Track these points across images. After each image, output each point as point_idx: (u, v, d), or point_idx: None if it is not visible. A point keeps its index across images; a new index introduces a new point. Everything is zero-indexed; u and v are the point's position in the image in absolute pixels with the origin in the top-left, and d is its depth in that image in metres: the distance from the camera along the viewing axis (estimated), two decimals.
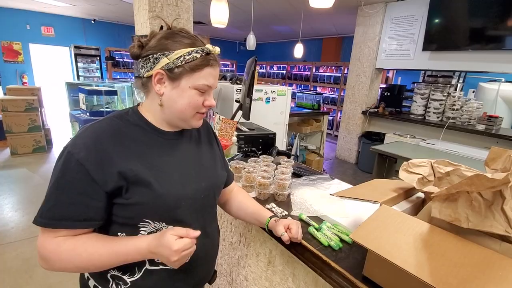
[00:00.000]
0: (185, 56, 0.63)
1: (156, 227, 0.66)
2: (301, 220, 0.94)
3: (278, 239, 0.87)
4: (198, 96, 0.66)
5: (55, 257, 0.59)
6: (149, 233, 0.66)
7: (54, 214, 0.58)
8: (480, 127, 3.32)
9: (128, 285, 0.68)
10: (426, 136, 3.66)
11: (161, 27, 0.69)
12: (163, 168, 0.67)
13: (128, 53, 0.71)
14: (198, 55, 0.64)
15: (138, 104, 0.73)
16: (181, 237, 0.59)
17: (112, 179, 0.60)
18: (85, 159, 0.58)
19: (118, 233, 0.66)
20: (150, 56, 0.64)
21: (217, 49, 0.68)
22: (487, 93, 4.09)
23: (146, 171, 0.63)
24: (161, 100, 0.66)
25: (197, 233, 0.61)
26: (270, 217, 0.86)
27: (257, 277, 1.14)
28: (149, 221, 0.65)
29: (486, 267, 0.50)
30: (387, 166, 2.90)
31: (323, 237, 0.82)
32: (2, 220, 2.46)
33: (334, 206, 1.00)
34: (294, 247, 0.85)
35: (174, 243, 0.57)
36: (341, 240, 0.82)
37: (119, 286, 0.68)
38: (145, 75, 0.65)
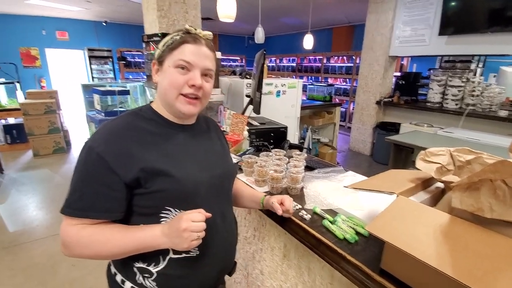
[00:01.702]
0: (168, 41, 0.69)
1: (177, 215, 0.66)
2: (315, 213, 0.93)
3: (293, 234, 0.86)
4: (179, 75, 0.67)
5: (75, 243, 0.61)
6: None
7: (79, 205, 0.61)
8: (503, 113, 3.16)
9: (154, 276, 0.68)
10: (444, 124, 3.53)
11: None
12: (179, 157, 0.69)
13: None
14: (178, 37, 0.68)
15: (152, 102, 0.76)
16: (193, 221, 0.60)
17: (132, 170, 0.62)
18: (105, 152, 0.61)
19: (140, 224, 0.66)
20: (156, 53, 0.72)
21: (202, 31, 0.71)
22: (509, 77, 3.88)
23: (164, 159, 0.66)
24: (157, 89, 0.71)
25: (208, 214, 0.63)
26: (265, 195, 0.90)
27: (273, 271, 1.14)
28: (170, 209, 0.66)
29: (472, 244, 0.48)
30: (403, 157, 2.82)
31: (338, 230, 0.81)
32: (28, 218, 2.58)
33: (348, 199, 0.98)
34: (308, 240, 0.84)
35: (182, 222, 0.59)
36: (357, 233, 0.80)
37: (146, 278, 0.68)
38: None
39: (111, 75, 7.06)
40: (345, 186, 0.87)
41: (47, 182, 3.36)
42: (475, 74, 3.81)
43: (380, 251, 0.69)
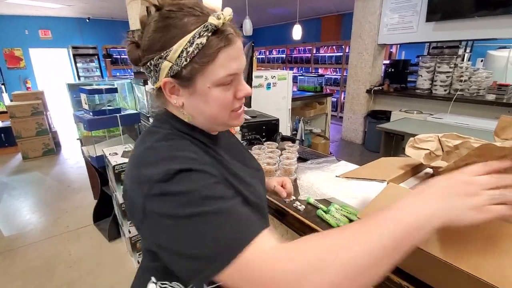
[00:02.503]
0: (188, 49, 0.45)
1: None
2: (309, 204, 0.94)
3: (288, 225, 0.87)
4: (226, 92, 0.49)
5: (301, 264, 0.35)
6: None
7: (247, 227, 0.40)
8: (490, 97, 3.23)
9: None
10: (433, 110, 3.58)
11: (148, 11, 0.50)
12: (242, 177, 0.56)
13: (126, 52, 0.55)
14: (204, 39, 0.45)
15: (165, 111, 0.55)
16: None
17: (228, 183, 0.51)
18: (205, 167, 0.45)
19: None
20: (148, 63, 0.48)
21: (227, 14, 0.46)
22: (496, 61, 3.94)
23: (234, 178, 0.53)
24: (186, 112, 0.52)
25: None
26: None
27: None
28: None
29: (499, 240, 0.50)
30: (394, 144, 2.86)
31: (332, 219, 0.82)
32: (21, 222, 2.55)
33: (341, 188, 1.00)
34: (303, 230, 0.85)
35: (461, 175, 0.39)
36: (350, 221, 0.82)
37: None
38: (155, 87, 0.52)
39: (98, 73, 6.92)
40: (337, 176, 0.88)
41: (38, 185, 3.30)
42: (462, 60, 3.86)
43: None
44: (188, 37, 0.45)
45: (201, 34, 0.45)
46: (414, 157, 0.77)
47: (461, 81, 3.52)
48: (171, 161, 0.43)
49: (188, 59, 0.45)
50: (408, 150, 0.80)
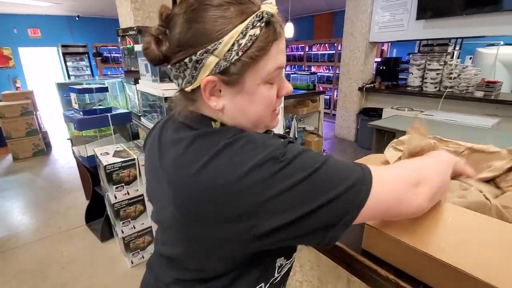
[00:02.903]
0: (240, 41, 0.39)
1: None
2: None
3: None
4: (270, 90, 0.45)
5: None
6: None
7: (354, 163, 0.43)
8: (479, 94, 3.29)
9: None
10: (424, 107, 3.64)
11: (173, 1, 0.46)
12: None
13: (143, 51, 0.45)
14: (258, 30, 0.39)
15: (192, 114, 0.47)
16: None
17: None
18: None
19: None
20: (186, 59, 0.40)
21: (274, 5, 0.42)
22: (485, 58, 4.02)
23: None
24: (224, 116, 0.45)
25: None
26: None
27: None
28: None
29: (477, 231, 0.51)
30: (385, 140, 2.90)
31: None
32: (12, 224, 2.51)
33: None
34: None
35: None
36: None
37: None
38: (186, 89, 0.43)
39: (88, 72, 6.81)
40: None
41: (29, 186, 3.26)
42: (452, 57, 3.92)
43: (361, 233, 0.72)
44: (241, 27, 0.38)
45: (254, 24, 0.39)
46: (389, 159, 0.79)
47: (450, 78, 3.58)
48: (269, 141, 0.40)
49: (240, 53, 0.39)
50: (389, 150, 0.82)
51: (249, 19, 0.39)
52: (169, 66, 0.44)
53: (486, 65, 3.90)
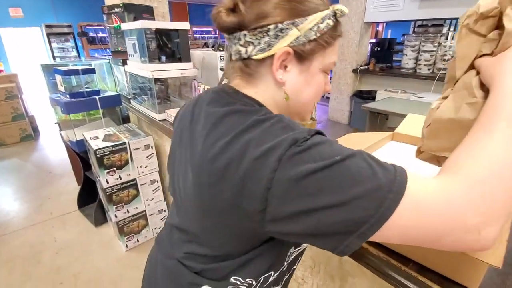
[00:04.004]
0: (319, 25, 0.44)
1: None
2: None
3: None
4: (323, 81, 0.50)
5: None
6: None
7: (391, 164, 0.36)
8: None
9: None
10: (417, 89, 3.64)
11: None
12: None
13: (212, 16, 0.46)
14: (331, 22, 0.45)
15: (233, 90, 0.49)
16: None
17: None
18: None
19: None
20: (271, 26, 0.42)
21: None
22: None
23: None
24: (286, 91, 0.47)
25: None
26: None
27: None
28: None
29: None
30: (379, 123, 2.91)
31: None
32: (2, 210, 2.47)
33: None
34: None
35: None
36: None
37: None
38: (255, 56, 0.45)
39: (74, 53, 6.54)
40: None
41: (18, 172, 3.19)
42: (446, 38, 3.88)
43: None
44: (323, 14, 0.44)
45: (330, 16, 0.45)
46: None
47: (444, 60, 3.56)
48: (297, 126, 0.39)
49: (317, 34, 0.44)
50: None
51: (329, 10, 0.45)
52: (244, 32, 0.44)
53: None
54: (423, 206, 0.32)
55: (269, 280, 0.54)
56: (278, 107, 0.50)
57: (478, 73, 0.44)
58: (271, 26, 0.42)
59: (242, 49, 0.46)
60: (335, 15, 0.45)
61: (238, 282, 0.51)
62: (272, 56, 0.44)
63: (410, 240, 0.34)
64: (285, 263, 0.56)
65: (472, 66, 0.46)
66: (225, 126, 0.42)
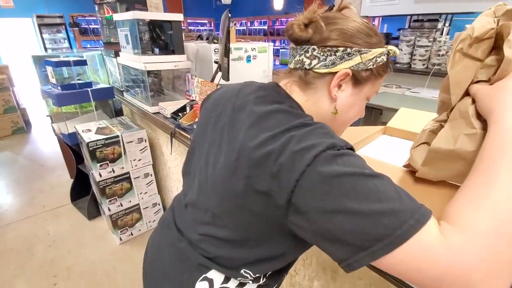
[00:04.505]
0: (377, 59, 0.51)
1: None
2: None
3: None
4: (364, 106, 0.58)
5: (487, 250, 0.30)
6: None
7: (418, 202, 0.35)
8: None
9: None
10: (411, 85, 3.66)
11: (331, 7, 0.56)
12: None
13: (288, 28, 0.53)
14: (385, 58, 0.52)
15: (283, 91, 0.54)
16: None
17: None
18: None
19: None
20: (341, 48, 0.49)
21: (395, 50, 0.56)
22: None
23: None
24: (337, 106, 0.53)
25: None
26: None
27: None
28: None
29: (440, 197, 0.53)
30: (373, 118, 2.92)
31: None
32: None
33: None
34: None
35: None
36: None
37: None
38: (318, 70, 0.50)
39: (66, 45, 6.39)
40: None
41: (10, 165, 3.15)
42: (441, 34, 3.89)
43: None
44: (382, 50, 0.51)
45: (385, 54, 0.52)
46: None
47: (439, 55, 3.57)
48: (337, 137, 0.42)
49: (374, 65, 0.51)
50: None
51: (385, 49, 0.52)
52: (313, 47, 0.50)
53: None
54: (430, 250, 0.31)
55: (273, 274, 0.55)
56: (320, 119, 0.51)
57: (474, 101, 0.44)
58: (341, 48, 0.49)
59: (307, 61, 0.51)
60: (388, 53, 0.52)
61: (248, 276, 0.52)
62: (333, 73, 0.50)
63: (410, 279, 0.33)
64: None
65: (467, 93, 0.46)
66: (271, 121, 0.44)
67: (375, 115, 2.92)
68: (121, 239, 1.96)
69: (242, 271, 0.51)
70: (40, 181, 2.78)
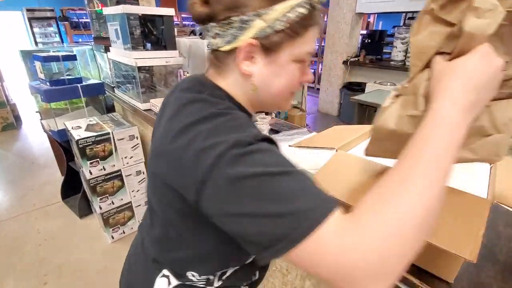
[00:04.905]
0: (287, 14, 0.41)
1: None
2: None
3: None
4: (297, 71, 0.47)
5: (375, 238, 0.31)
6: None
7: (325, 197, 0.35)
8: None
9: None
10: None
11: None
12: None
13: (188, 7, 0.46)
14: (304, 11, 0.42)
15: (206, 79, 0.50)
16: None
17: None
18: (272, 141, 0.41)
19: None
20: (234, 17, 0.41)
21: None
22: None
23: None
24: (253, 83, 0.46)
25: None
26: None
27: None
28: None
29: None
30: (367, 115, 2.93)
31: None
32: None
33: (310, 159, 1.00)
34: None
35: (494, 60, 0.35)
36: None
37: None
38: (222, 48, 0.44)
39: (57, 39, 6.26)
40: (289, 146, 0.88)
41: (0, 162, 3.09)
42: None
43: None
44: (292, 2, 0.41)
45: (303, 4, 0.42)
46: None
47: None
48: (244, 134, 0.38)
49: (285, 25, 0.41)
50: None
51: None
52: (212, 24, 0.44)
53: None
54: (325, 248, 0.31)
55: (230, 275, 0.54)
56: (248, 99, 0.49)
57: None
58: (235, 18, 0.41)
59: (213, 41, 0.45)
60: (310, 3, 0.42)
61: (194, 279, 0.52)
62: (238, 48, 0.43)
63: (313, 274, 0.34)
64: (250, 258, 0.55)
65: (428, 65, 0.39)
66: (185, 112, 0.42)
67: (369, 113, 2.94)
68: (113, 238, 1.94)
69: (188, 274, 0.52)
70: (30, 179, 2.73)
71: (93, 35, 2.10)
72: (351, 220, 0.33)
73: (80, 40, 6.10)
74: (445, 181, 0.33)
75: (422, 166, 0.33)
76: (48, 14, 6.19)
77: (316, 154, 1.02)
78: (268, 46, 0.43)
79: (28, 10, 6.03)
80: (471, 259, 0.42)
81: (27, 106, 4.78)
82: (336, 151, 0.70)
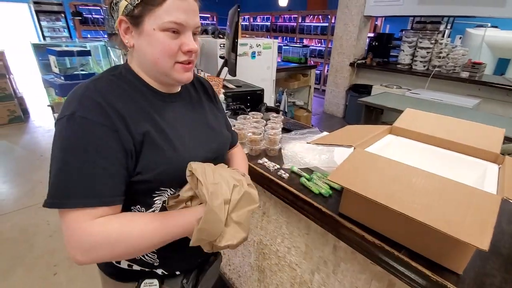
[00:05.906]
0: None
1: (171, 194, 0.61)
2: (293, 172, 0.97)
3: (272, 192, 0.89)
4: (170, 40, 0.54)
5: (103, 241, 0.47)
6: (163, 202, 0.60)
7: (90, 191, 0.48)
8: (464, 74, 3.35)
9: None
10: (412, 86, 3.69)
11: None
12: (172, 132, 0.60)
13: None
14: None
15: (127, 63, 0.62)
16: None
17: (130, 144, 0.52)
18: (107, 121, 0.50)
19: (132, 208, 0.59)
20: (113, 3, 0.55)
21: None
22: (473, 39, 4.05)
23: (158, 135, 0.56)
24: (134, 53, 0.58)
25: None
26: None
27: (253, 227, 1.21)
28: (166, 189, 0.60)
29: (442, 192, 0.56)
30: (374, 117, 2.95)
31: (314, 186, 0.86)
32: None
33: (323, 157, 1.03)
34: (286, 197, 0.89)
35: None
36: (331, 188, 0.86)
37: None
38: (116, 32, 0.56)
39: (66, 34, 6.29)
40: (307, 142, 0.91)
41: (7, 155, 3.12)
42: (443, 36, 3.92)
43: (338, 200, 0.75)
44: None
45: None
46: None
47: (440, 57, 3.60)
48: (80, 104, 0.50)
49: None
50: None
51: None
52: (108, 12, 0.59)
53: (473, 46, 3.94)
54: (67, 227, 0.49)
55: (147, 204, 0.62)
56: (143, 70, 0.59)
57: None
58: (112, 2, 0.54)
59: (116, 26, 0.56)
60: None
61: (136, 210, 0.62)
62: (117, 26, 0.55)
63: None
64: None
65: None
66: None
67: (376, 115, 2.96)
68: None
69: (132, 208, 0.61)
70: (39, 172, 2.76)
71: (107, 31, 2.13)
72: (113, 223, 0.50)
73: (88, 36, 6.13)
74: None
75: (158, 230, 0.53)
76: (56, 8, 6.21)
77: (330, 153, 1.05)
78: (134, 19, 0.53)
79: (35, 2, 6.05)
80: (484, 248, 0.44)
81: (35, 99, 4.81)
82: (354, 148, 0.73)
